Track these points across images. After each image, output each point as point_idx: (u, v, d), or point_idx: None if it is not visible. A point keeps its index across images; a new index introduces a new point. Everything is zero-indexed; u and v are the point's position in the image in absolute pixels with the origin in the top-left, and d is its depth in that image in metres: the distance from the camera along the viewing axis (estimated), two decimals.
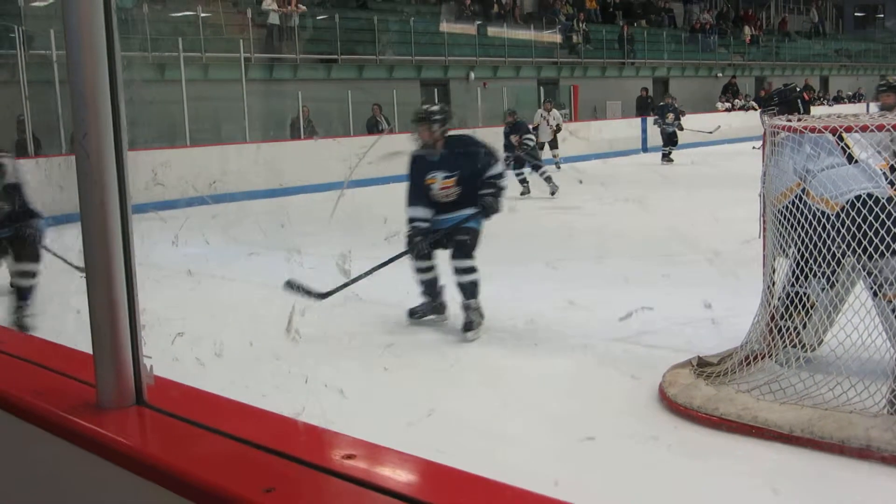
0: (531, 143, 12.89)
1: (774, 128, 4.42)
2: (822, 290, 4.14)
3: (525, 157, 12.61)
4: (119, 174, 1.12)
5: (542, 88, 21.87)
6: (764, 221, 4.57)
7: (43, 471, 1.28)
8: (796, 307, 4.14)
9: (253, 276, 7.26)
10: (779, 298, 4.30)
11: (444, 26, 20.26)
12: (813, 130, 4.26)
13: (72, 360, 1.36)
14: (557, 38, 23.13)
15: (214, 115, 15.04)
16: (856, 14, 41.15)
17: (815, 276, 4.11)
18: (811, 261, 4.07)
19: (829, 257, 3.98)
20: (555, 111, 17.31)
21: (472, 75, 20.46)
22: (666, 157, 18.38)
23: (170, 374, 1.24)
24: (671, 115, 18.36)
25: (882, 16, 41.21)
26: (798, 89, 5.32)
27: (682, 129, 18.39)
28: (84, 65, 1.10)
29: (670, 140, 18.43)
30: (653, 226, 8.89)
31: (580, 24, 24.14)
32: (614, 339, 5.18)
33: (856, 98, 32.48)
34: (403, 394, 4.39)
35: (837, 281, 4.13)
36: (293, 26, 17.37)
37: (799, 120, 4.41)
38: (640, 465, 3.48)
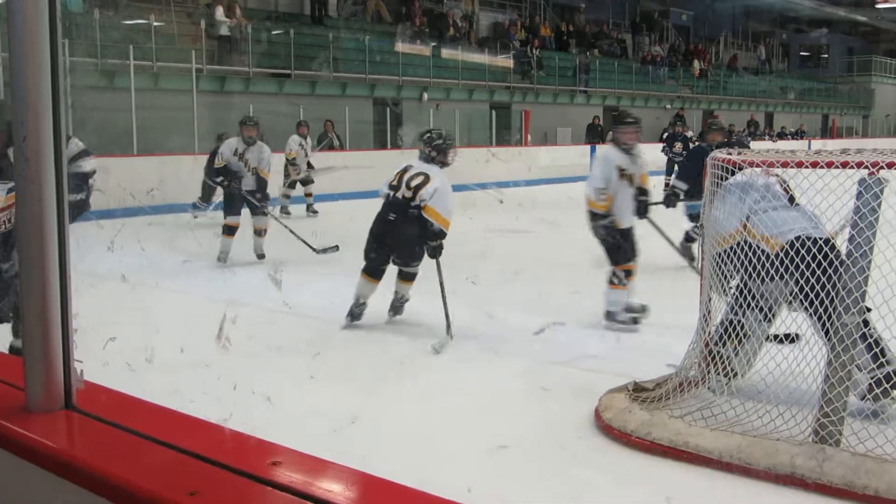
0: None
1: (716, 161, 4.54)
2: (758, 322, 4.26)
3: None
4: (57, 179, 1.13)
5: (494, 112, 22.06)
6: (702, 252, 4.68)
7: None
8: (730, 335, 4.24)
9: (186, 283, 7.23)
10: (718, 324, 4.40)
11: (399, 46, 20.34)
12: (752, 164, 4.39)
13: (2, 364, 1.36)
14: (511, 62, 23.37)
15: (164, 125, 14.87)
16: (801, 54, 42.32)
17: (751, 308, 4.23)
18: (748, 295, 4.19)
19: (766, 293, 4.10)
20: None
21: (426, 96, 20.57)
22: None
23: (100, 378, 1.24)
24: (679, 145, 18.12)
25: (826, 56, 42.46)
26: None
27: None
28: (26, 70, 1.11)
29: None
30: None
31: (534, 51, 24.44)
32: (553, 361, 5.24)
33: (798, 135, 33.31)
34: (329, 402, 4.44)
35: (775, 316, 4.27)
36: (245, 38, 17.30)
37: (739, 154, 4.54)
38: (567, 485, 3.53)
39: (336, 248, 8.81)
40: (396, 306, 6.37)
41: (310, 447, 1.00)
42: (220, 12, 16.93)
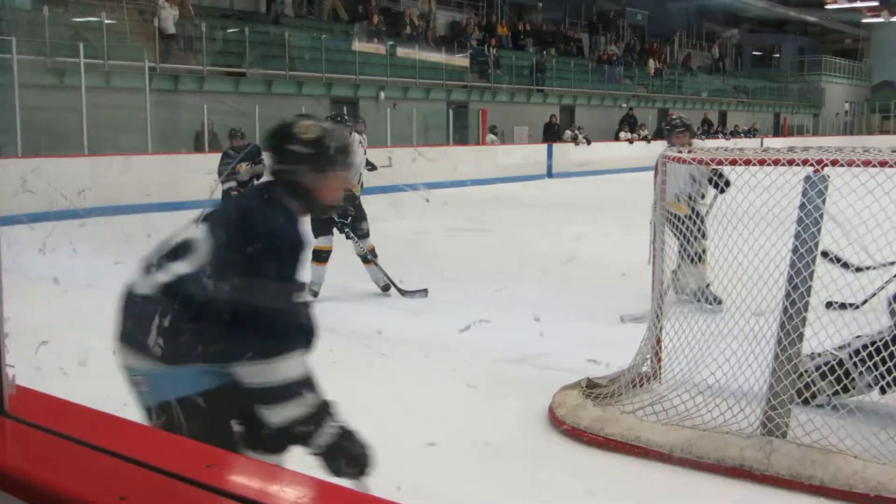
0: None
1: (665, 158, 4.59)
2: (864, 387, 3.96)
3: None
4: None
5: (451, 111, 22.08)
6: (654, 248, 4.72)
7: None
8: (838, 379, 3.95)
9: (119, 285, 7.09)
10: (837, 360, 4.00)
11: (356, 45, 20.27)
12: (700, 162, 4.45)
13: None
14: (468, 61, 23.40)
15: (115, 124, 14.63)
16: (754, 53, 42.98)
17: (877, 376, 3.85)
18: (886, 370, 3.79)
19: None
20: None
21: (383, 95, 20.51)
22: None
23: (32, 383, 1.22)
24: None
25: (778, 55, 43.16)
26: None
27: None
28: None
29: None
30: (559, 252, 8.95)
31: (491, 50, 24.49)
32: (507, 360, 5.26)
33: (751, 133, 33.84)
34: None
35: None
36: (199, 36, 17.09)
37: (690, 151, 4.60)
38: (522, 481, 3.55)
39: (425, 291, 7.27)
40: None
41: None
42: (175, 13, 16.62)
